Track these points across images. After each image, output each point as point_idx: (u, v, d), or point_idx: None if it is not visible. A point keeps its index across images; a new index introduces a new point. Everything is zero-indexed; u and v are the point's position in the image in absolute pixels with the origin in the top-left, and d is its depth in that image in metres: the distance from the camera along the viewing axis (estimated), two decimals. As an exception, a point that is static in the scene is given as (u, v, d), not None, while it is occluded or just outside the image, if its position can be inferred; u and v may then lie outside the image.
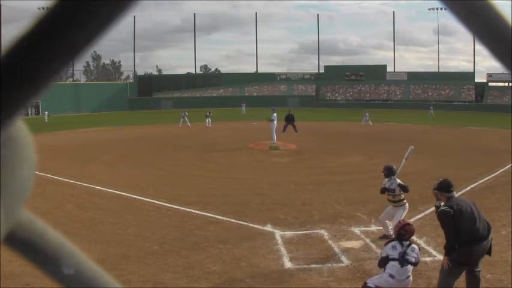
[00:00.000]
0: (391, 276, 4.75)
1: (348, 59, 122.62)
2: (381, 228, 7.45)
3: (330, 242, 7.13)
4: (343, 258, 6.46)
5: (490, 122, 31.75)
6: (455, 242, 4.83)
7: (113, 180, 11.79)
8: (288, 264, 6.23)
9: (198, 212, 8.81)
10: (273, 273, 5.97)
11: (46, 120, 35.02)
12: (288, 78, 63.34)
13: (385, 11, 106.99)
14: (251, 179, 12.13)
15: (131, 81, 64.76)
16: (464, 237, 4.80)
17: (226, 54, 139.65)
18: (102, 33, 0.30)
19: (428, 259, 6.28)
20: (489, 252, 4.98)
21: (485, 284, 5.24)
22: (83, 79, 70.75)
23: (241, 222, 8.11)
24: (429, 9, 68.63)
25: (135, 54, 76.87)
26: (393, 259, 4.77)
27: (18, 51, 0.29)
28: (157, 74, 77.03)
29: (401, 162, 7.61)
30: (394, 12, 64.63)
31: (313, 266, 6.18)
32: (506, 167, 13.20)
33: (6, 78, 0.29)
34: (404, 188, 7.01)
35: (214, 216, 8.51)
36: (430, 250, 6.66)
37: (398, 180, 7.08)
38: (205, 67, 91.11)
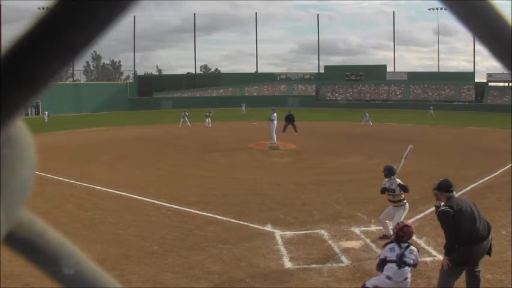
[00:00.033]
0: (388, 278, 4.75)
1: (348, 59, 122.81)
2: (381, 228, 7.45)
3: (330, 242, 7.13)
4: (343, 258, 6.46)
5: (490, 122, 31.76)
6: (455, 242, 4.83)
7: (113, 180, 11.79)
8: (288, 264, 6.23)
9: (198, 212, 8.81)
10: (273, 273, 5.97)
11: (46, 120, 35.02)
12: (288, 78, 63.34)
13: (385, 11, 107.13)
14: (251, 179, 12.13)
15: (131, 81, 64.77)
16: (464, 237, 4.80)
17: (226, 54, 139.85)
18: (102, 33, 0.30)
19: (428, 259, 6.28)
20: (489, 252, 4.98)
21: (485, 284, 5.24)
22: (83, 79, 70.83)
23: (241, 222, 8.12)
24: (429, 9, 68.77)
25: (135, 54, 77.00)
26: (391, 261, 4.77)
27: (18, 51, 0.29)
28: (157, 74, 77.06)
29: (400, 162, 7.62)
30: (394, 12, 64.75)
31: (313, 266, 6.18)
32: (506, 167, 13.20)
33: (6, 78, 0.29)
34: (404, 188, 7.01)
35: (214, 216, 8.51)
36: (430, 250, 6.66)
37: (399, 180, 7.07)
38: (205, 67, 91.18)
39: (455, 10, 0.33)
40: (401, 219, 6.68)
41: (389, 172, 7.17)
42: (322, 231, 7.60)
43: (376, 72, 60.39)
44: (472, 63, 60.77)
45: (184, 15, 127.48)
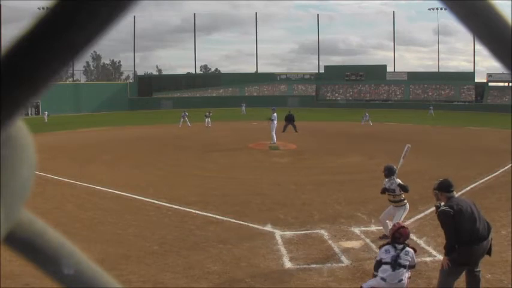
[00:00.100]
0: (383, 279, 4.74)
1: (348, 59, 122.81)
2: (381, 228, 7.44)
3: (330, 242, 7.13)
4: (343, 258, 6.46)
5: (490, 122, 31.76)
6: (455, 242, 4.83)
7: (113, 180, 11.79)
8: (288, 264, 6.23)
9: (198, 212, 8.81)
10: (273, 273, 5.97)
11: (46, 120, 35.02)
12: (288, 78, 63.34)
13: (385, 11, 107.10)
14: (251, 179, 12.13)
15: (131, 81, 64.76)
16: (464, 237, 4.80)
17: (226, 54, 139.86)
18: (102, 33, 0.30)
19: (428, 259, 6.28)
20: (489, 252, 4.98)
21: (485, 284, 5.24)
22: (83, 79, 70.83)
23: (241, 222, 8.12)
24: (429, 9, 68.76)
25: (135, 54, 76.96)
26: (385, 263, 4.76)
27: (18, 51, 0.29)
28: (157, 74, 77.06)
29: (399, 162, 7.62)
30: (394, 12, 64.74)
31: (313, 266, 6.18)
32: (506, 167, 13.20)
33: (6, 78, 0.29)
34: (404, 188, 7.01)
35: (214, 216, 8.51)
36: (430, 250, 6.66)
37: (399, 180, 7.07)
38: (205, 67, 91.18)
39: (455, 10, 0.33)
40: (402, 220, 6.69)
41: (389, 172, 7.17)
42: (322, 231, 7.60)
43: (376, 72, 60.39)
44: (472, 63, 60.87)
45: (184, 15, 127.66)
